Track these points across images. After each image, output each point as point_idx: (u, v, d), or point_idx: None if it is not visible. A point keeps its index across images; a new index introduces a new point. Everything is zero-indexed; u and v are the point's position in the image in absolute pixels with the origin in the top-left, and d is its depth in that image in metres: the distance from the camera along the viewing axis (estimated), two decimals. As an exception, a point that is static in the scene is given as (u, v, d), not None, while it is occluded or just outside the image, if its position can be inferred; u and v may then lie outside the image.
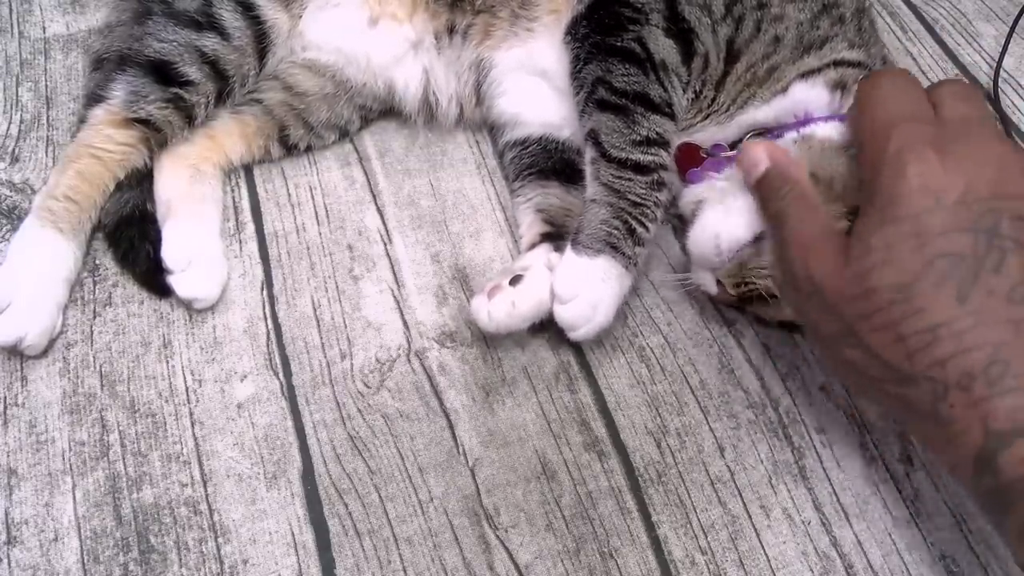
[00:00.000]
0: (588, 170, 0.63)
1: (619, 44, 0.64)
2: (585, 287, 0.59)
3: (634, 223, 0.60)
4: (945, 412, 0.43)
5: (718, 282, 0.60)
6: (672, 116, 0.63)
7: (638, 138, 0.61)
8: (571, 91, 0.67)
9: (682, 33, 0.64)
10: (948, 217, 0.44)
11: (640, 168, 0.61)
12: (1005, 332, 0.42)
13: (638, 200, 0.61)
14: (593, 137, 0.63)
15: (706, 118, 0.66)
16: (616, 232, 0.60)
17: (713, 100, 0.66)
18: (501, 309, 0.60)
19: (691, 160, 0.64)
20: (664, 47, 0.64)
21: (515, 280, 0.61)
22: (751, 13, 0.64)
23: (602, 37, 0.65)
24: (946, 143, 0.46)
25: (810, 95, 0.62)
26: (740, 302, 0.61)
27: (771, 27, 0.64)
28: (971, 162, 0.45)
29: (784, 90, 0.63)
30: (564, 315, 0.59)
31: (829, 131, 0.59)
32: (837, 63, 0.63)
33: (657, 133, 0.62)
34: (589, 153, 0.63)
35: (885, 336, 0.45)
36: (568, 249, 0.60)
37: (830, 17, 0.65)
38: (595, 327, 0.60)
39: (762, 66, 0.64)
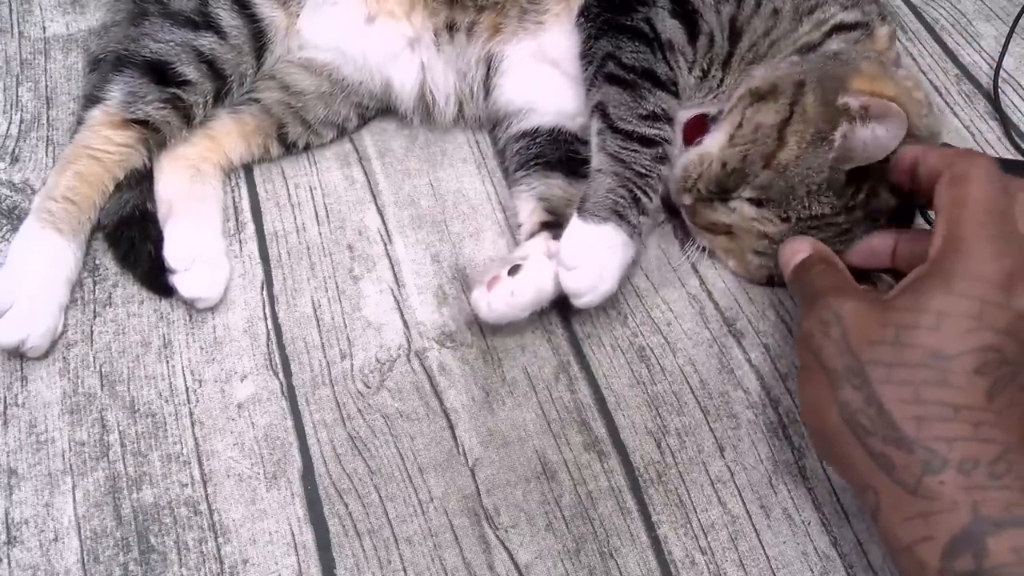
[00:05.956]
0: (594, 141, 0.65)
1: (628, 23, 0.66)
2: (591, 254, 0.60)
3: (639, 192, 0.61)
4: (932, 487, 0.43)
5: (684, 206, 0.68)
6: (676, 94, 0.66)
7: (644, 112, 0.63)
8: (580, 67, 0.68)
9: (687, 14, 0.66)
10: (1013, 320, 0.45)
11: (646, 141, 0.63)
12: (1016, 438, 0.44)
13: (643, 171, 0.62)
14: (600, 109, 0.64)
15: (715, 98, 0.68)
16: (622, 201, 0.61)
17: (721, 81, 0.68)
18: (500, 299, 0.60)
19: (700, 130, 0.67)
20: (670, 27, 0.66)
21: (514, 270, 0.61)
22: None
23: (613, 15, 0.67)
24: None
25: None
26: (695, 215, 0.67)
27: (770, 1, 0.66)
28: None
29: None
30: (570, 282, 0.60)
31: None
32: (838, 28, 0.66)
33: (662, 109, 0.64)
34: (596, 124, 0.65)
35: (901, 392, 0.45)
36: (574, 217, 0.61)
37: None
38: (600, 294, 0.60)
39: (764, 42, 0.66)
